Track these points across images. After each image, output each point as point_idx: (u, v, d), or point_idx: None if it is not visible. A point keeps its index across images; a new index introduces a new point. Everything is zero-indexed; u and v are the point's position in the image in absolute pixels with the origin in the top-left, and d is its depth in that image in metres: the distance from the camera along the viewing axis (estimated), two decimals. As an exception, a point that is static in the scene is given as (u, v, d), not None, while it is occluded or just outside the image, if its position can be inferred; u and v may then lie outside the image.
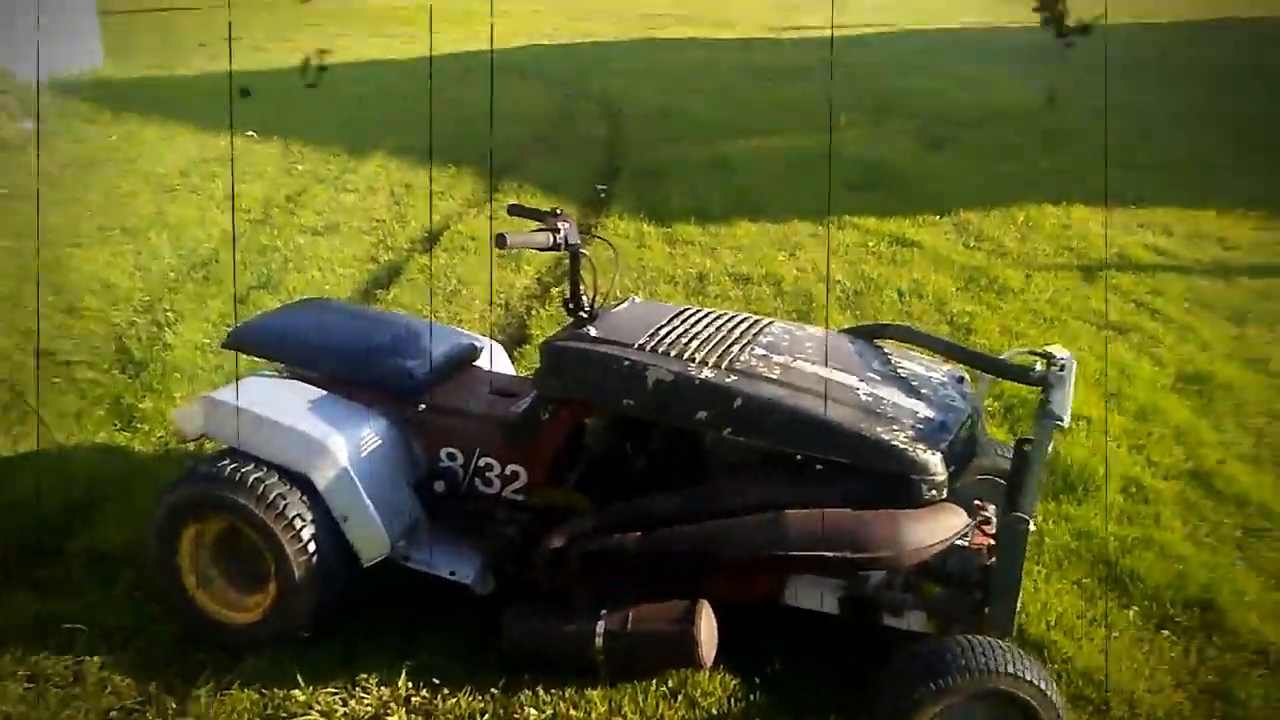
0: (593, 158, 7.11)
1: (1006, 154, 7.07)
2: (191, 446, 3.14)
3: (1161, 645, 2.39)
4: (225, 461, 2.33)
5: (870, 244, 5.22)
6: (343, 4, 18.13)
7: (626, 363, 2.21)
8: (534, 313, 4.30)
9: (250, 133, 7.51)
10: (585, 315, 2.34)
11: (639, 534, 2.17)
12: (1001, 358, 2.34)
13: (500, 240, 2.19)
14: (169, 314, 4.26)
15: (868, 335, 2.49)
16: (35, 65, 9.22)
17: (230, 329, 2.91)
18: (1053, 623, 2.42)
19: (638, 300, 2.59)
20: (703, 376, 2.16)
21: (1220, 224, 5.51)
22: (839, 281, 4.69)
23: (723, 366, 2.18)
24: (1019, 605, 2.06)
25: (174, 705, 2.19)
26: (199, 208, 5.85)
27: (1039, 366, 2.21)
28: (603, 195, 6.06)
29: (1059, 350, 2.22)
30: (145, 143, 7.52)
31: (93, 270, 4.81)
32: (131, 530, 2.73)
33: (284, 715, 2.15)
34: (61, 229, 5.34)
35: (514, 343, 3.99)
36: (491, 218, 5.58)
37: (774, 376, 2.17)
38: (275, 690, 2.21)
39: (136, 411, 3.48)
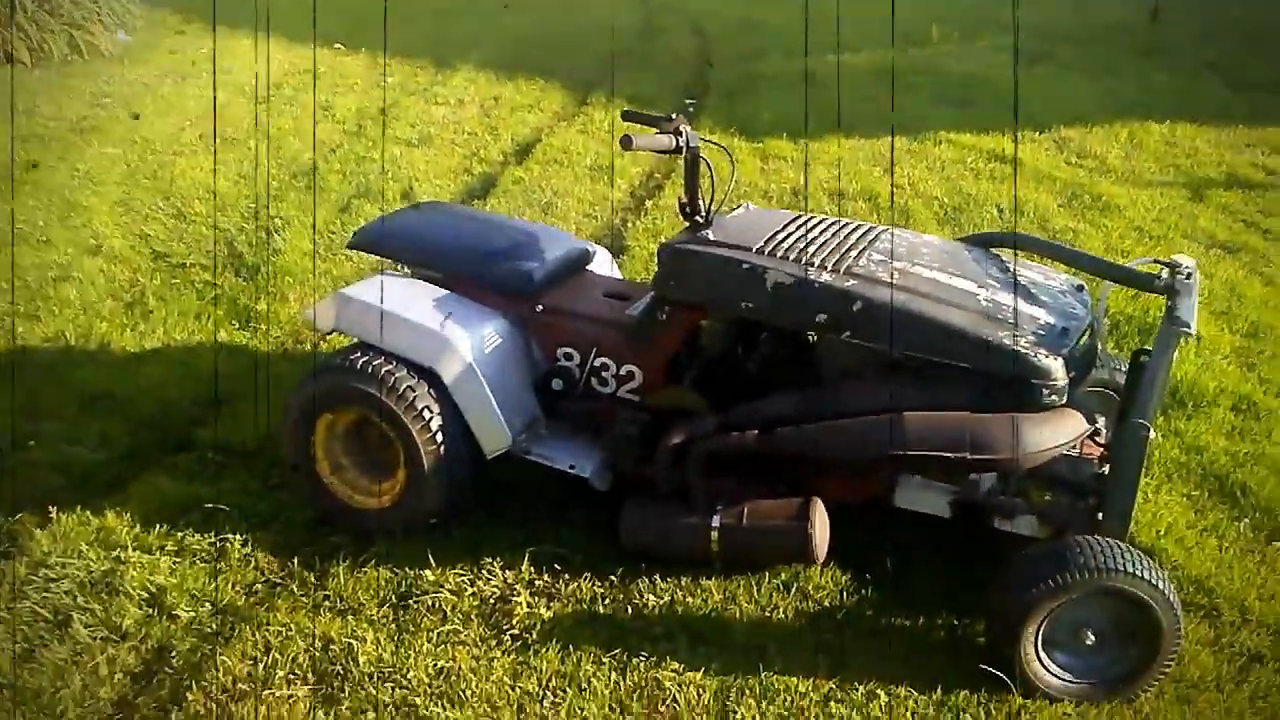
0: (680, 72, 7.05)
1: (1108, 70, 6.85)
2: (319, 342, 3.26)
3: (1273, 555, 2.39)
4: (357, 355, 2.42)
5: (968, 160, 5.13)
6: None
7: (745, 266, 2.23)
8: (629, 224, 4.33)
9: (338, 45, 7.57)
10: (702, 220, 2.37)
11: (759, 434, 2.22)
12: (1127, 265, 2.32)
13: (625, 142, 2.21)
14: (276, 220, 4.37)
15: (986, 243, 2.48)
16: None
17: (355, 230, 2.97)
18: (1163, 531, 2.43)
19: (752, 207, 2.61)
20: (822, 280, 2.18)
21: (1335, 143, 5.30)
22: (937, 198, 4.63)
23: (841, 270, 2.20)
24: (1133, 511, 2.08)
25: (313, 580, 2.31)
26: (294, 118, 5.94)
27: (1164, 275, 2.18)
28: (691, 110, 6.01)
29: (1184, 259, 2.19)
30: (236, 54, 7.62)
31: (198, 177, 4.93)
32: (256, 424, 2.87)
33: (416, 592, 2.26)
34: (164, 138, 5.47)
35: (612, 253, 4.02)
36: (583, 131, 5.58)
37: (893, 280, 2.18)
38: (406, 570, 2.32)
39: (253, 312, 3.60)
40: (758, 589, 2.27)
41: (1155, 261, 2.26)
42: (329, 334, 2.62)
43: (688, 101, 6.18)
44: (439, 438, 2.36)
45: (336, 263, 3.95)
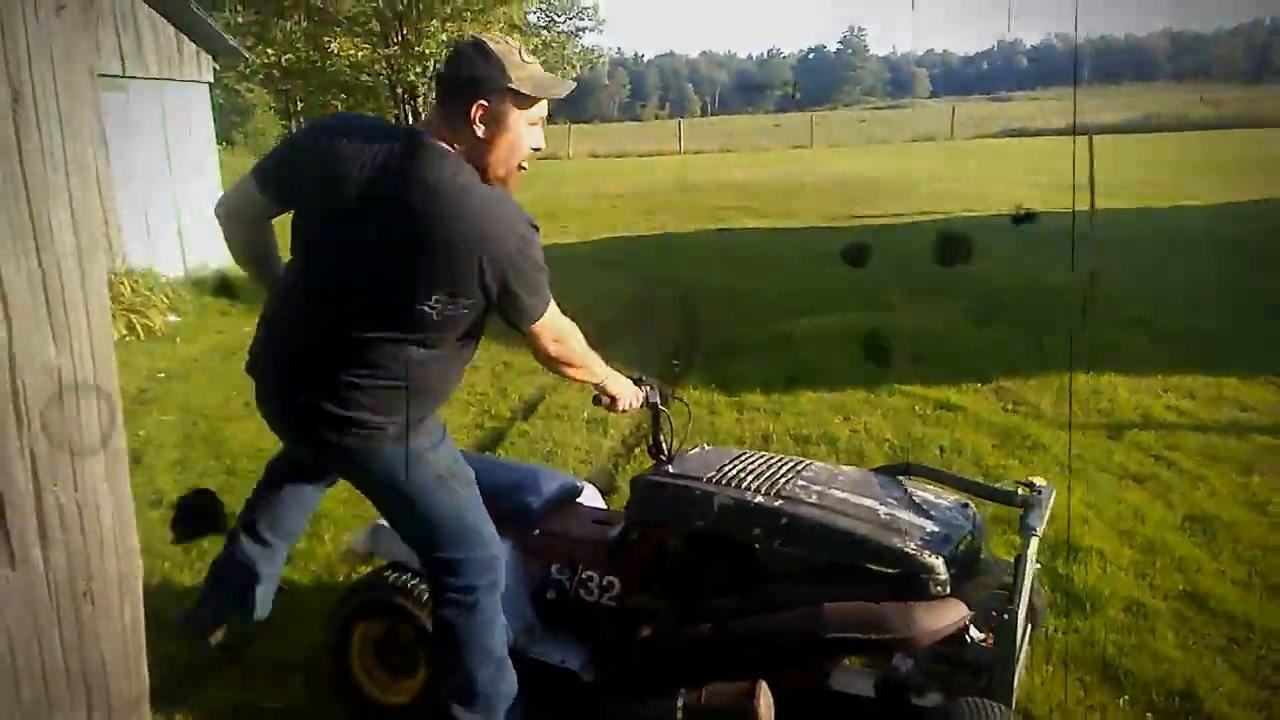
0: (669, 337, 7.95)
1: (1047, 328, 7.72)
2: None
3: (1146, 724, 2.88)
4: (389, 573, 3.02)
5: (917, 408, 5.86)
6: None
7: (698, 492, 2.86)
8: (619, 467, 4.99)
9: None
10: (665, 458, 3.03)
11: (710, 627, 2.78)
12: (995, 486, 2.96)
13: (595, 399, 2.90)
14: (313, 473, 5.05)
15: (891, 473, 3.12)
16: (179, 263, 10.50)
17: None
18: (1053, 707, 2.92)
19: (707, 447, 3.28)
20: (756, 500, 2.80)
21: (1240, 389, 6.04)
22: (888, 439, 5.32)
23: (772, 493, 2.83)
24: (1016, 681, 2.61)
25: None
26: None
27: (1020, 493, 2.81)
28: (677, 370, 6.83)
29: (1040, 480, 2.82)
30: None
31: (246, 439, 5.65)
32: (297, 644, 3.41)
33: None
34: (216, 405, 6.25)
35: (604, 492, 4.66)
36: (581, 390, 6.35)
37: (812, 500, 2.81)
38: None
39: (292, 551, 4.20)
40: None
41: (1018, 483, 2.89)
42: (365, 558, 3.21)
43: (674, 364, 7.02)
44: None
45: (366, 508, 4.58)
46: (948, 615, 2.64)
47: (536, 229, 2.38)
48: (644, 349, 7.47)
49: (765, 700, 2.72)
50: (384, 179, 2.29)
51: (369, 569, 3.47)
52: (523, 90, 2.32)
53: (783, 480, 2.90)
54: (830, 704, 2.83)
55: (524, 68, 2.34)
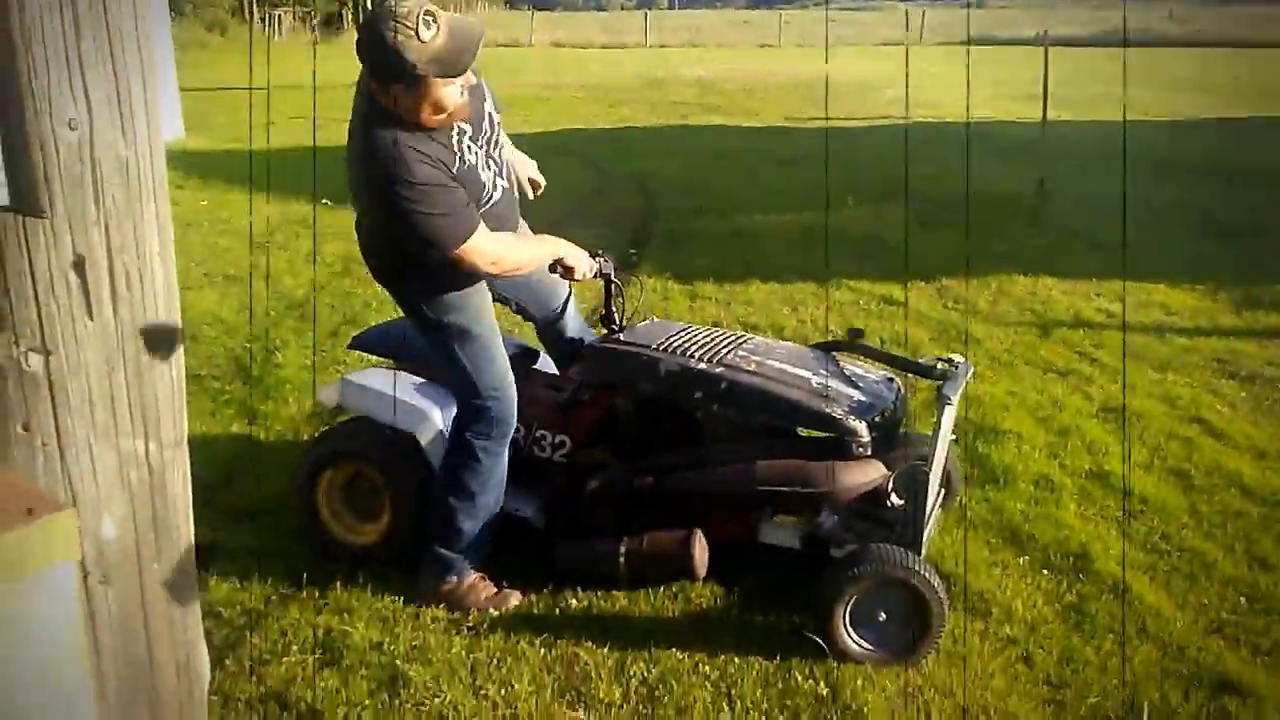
0: (625, 226, 8.10)
1: (992, 232, 7.98)
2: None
3: (1038, 579, 3.20)
4: (354, 424, 3.22)
5: (861, 302, 6.11)
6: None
7: (644, 358, 3.09)
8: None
9: (325, 200, 8.56)
10: (616, 328, 3.23)
11: (653, 480, 3.03)
12: (916, 360, 3.21)
13: (551, 267, 3.04)
14: (276, 341, 5.20)
15: (826, 348, 3.35)
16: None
17: (355, 334, 3.77)
18: (957, 562, 3.23)
19: (657, 320, 3.48)
20: (699, 367, 3.03)
21: (1168, 295, 6.35)
22: (832, 330, 5.57)
23: (713, 361, 3.06)
24: (926, 534, 2.90)
25: (317, 593, 3.05)
26: (289, 261, 6.85)
27: (939, 367, 3.07)
28: (634, 258, 7.00)
29: (958, 357, 3.07)
30: (234, 206, 8.60)
31: (206, 307, 5.77)
32: (260, 494, 3.62)
33: (395, 597, 3.00)
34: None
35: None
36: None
37: (750, 369, 3.05)
38: (388, 583, 3.06)
39: (259, 412, 4.39)
40: (653, 597, 3.04)
41: (938, 358, 3.13)
42: (333, 409, 3.40)
43: (631, 251, 7.19)
44: (415, 487, 3.14)
45: (330, 375, 4.76)
46: (868, 473, 2.93)
47: (413, 183, 2.62)
48: (601, 237, 7.62)
49: (700, 547, 2.99)
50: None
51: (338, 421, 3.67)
52: (428, 75, 2.52)
53: (725, 351, 3.13)
54: (759, 554, 3.11)
55: (425, 48, 2.49)
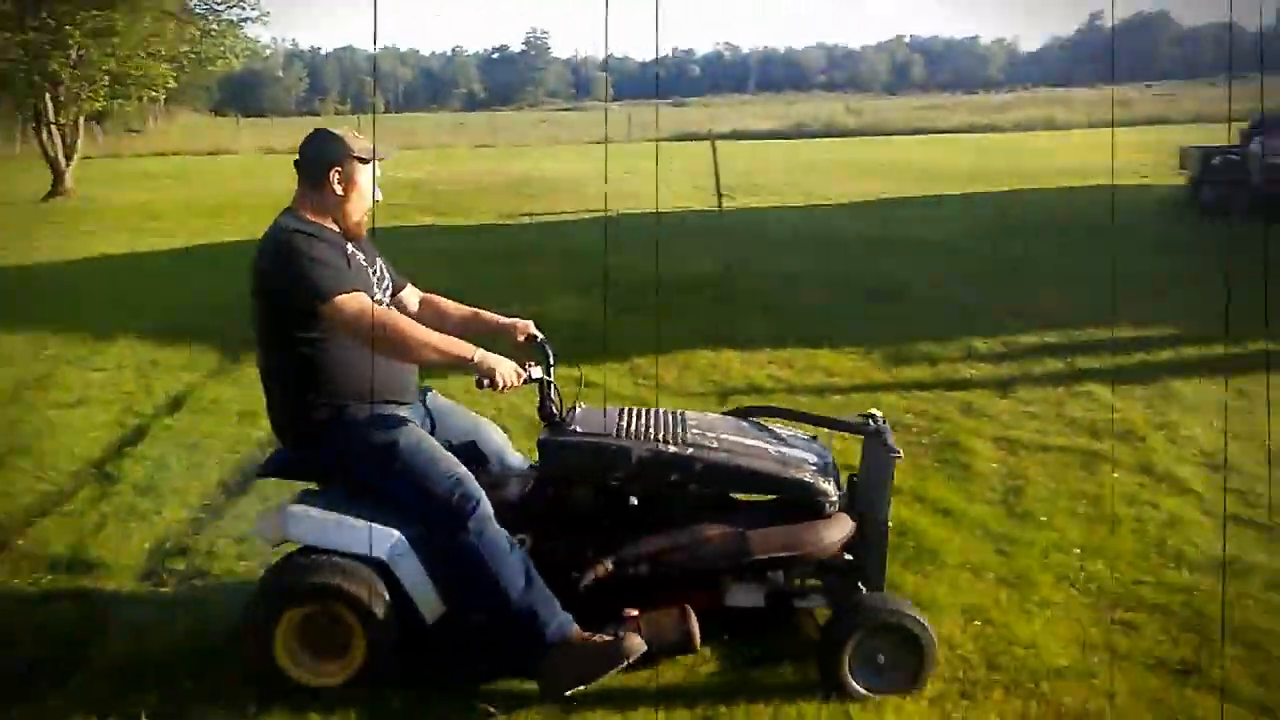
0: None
1: (683, 311, 8.59)
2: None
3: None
4: (313, 556, 2.98)
5: (560, 383, 6.40)
6: (88, 203, 18.50)
7: (614, 448, 3.06)
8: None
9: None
10: (560, 420, 3.18)
11: (648, 567, 3.04)
12: (844, 419, 3.56)
13: (479, 383, 3.03)
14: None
15: (744, 414, 3.54)
16: None
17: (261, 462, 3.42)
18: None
19: (583, 405, 3.33)
20: (670, 450, 3.07)
21: (830, 359, 7.07)
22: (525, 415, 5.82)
23: (679, 441, 3.11)
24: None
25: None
26: (-50, 392, 6.36)
27: (868, 423, 3.25)
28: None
29: (877, 412, 3.32)
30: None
31: None
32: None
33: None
34: None
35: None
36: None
37: (714, 446, 3.13)
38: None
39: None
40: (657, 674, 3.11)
41: (860, 415, 3.36)
42: (278, 544, 3.11)
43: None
44: (392, 614, 2.97)
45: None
46: (844, 528, 3.14)
47: (306, 233, 3.12)
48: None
49: (694, 621, 3.04)
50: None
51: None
52: (363, 157, 3.19)
53: (679, 430, 3.19)
54: (730, 618, 3.22)
55: (358, 140, 3.21)
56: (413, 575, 3.00)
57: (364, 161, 3.19)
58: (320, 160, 3.17)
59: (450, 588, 3.05)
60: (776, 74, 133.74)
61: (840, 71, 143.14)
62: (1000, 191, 17.45)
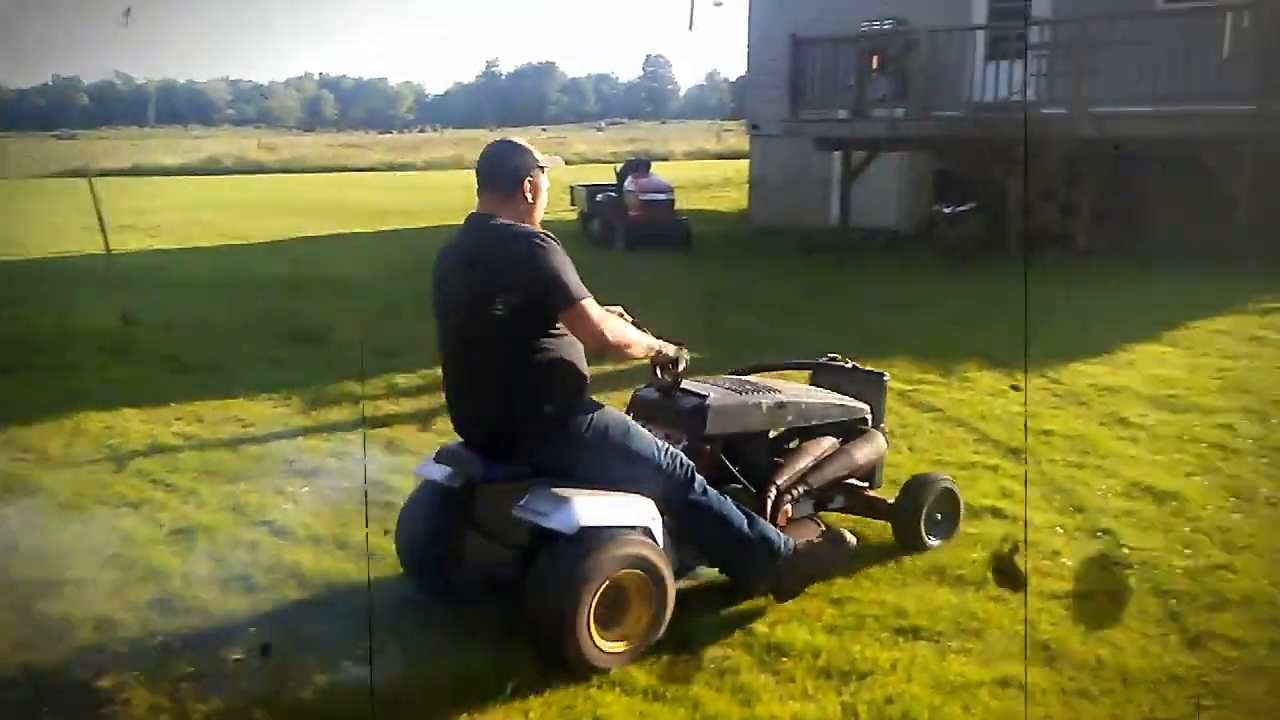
0: None
1: (73, 370, 7.63)
2: None
3: None
4: (596, 536, 3.23)
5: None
6: None
7: (752, 404, 3.89)
8: None
9: None
10: (688, 390, 3.85)
11: (802, 488, 4.00)
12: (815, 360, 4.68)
13: (659, 364, 3.82)
14: None
15: (744, 374, 4.38)
16: None
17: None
18: None
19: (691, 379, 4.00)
20: (780, 399, 3.98)
21: (244, 408, 6.71)
22: None
23: (782, 393, 4.03)
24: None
25: None
26: None
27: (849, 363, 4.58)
28: None
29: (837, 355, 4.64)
30: None
31: None
32: None
33: None
34: None
35: None
36: None
37: (796, 394, 4.12)
38: None
39: None
40: None
41: (829, 356, 4.61)
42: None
43: None
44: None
45: None
46: (883, 442, 4.37)
47: (549, 237, 3.35)
48: None
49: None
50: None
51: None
52: (542, 165, 3.49)
53: (768, 388, 4.07)
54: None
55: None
56: (663, 539, 3.41)
57: (542, 170, 3.48)
58: (519, 170, 3.41)
59: (682, 542, 3.54)
60: (180, 107, 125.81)
61: (249, 106, 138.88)
62: (414, 228, 17.97)
